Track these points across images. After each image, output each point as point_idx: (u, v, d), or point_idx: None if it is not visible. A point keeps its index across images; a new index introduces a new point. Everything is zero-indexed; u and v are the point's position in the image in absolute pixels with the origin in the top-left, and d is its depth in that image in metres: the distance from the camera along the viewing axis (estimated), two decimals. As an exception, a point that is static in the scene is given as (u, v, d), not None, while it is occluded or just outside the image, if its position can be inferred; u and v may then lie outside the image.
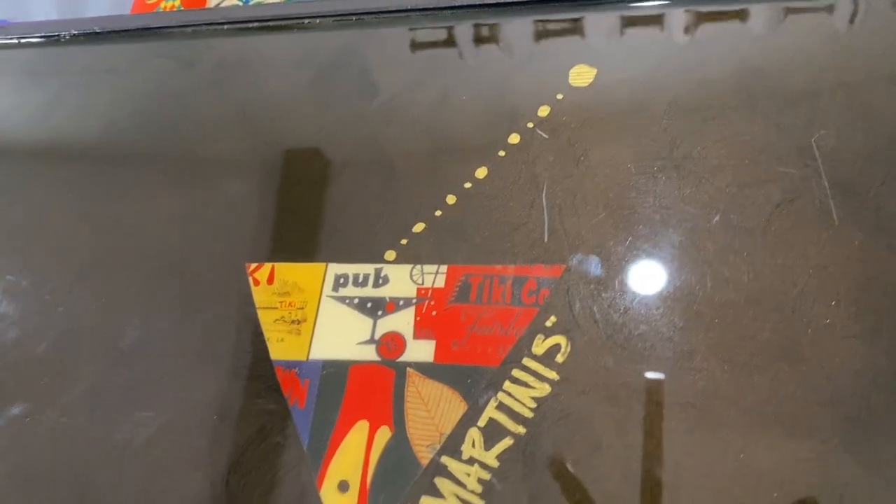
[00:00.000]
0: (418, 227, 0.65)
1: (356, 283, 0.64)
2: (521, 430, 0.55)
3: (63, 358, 0.67)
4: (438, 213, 0.65)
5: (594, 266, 0.60)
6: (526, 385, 0.57)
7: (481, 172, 0.66)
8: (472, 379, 0.58)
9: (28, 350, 0.68)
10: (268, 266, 0.66)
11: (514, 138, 0.67)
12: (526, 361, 0.57)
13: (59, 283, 0.70)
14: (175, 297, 0.67)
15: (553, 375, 0.56)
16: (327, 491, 0.56)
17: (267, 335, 0.63)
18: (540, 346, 0.58)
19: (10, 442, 0.64)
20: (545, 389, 0.56)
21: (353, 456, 0.57)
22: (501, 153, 0.66)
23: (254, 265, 0.67)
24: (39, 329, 0.68)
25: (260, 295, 0.65)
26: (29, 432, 0.64)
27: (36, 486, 0.62)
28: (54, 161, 0.78)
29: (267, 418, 0.60)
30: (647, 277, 0.58)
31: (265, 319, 0.64)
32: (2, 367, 0.67)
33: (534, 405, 0.56)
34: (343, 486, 0.56)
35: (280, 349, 0.63)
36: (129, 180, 0.74)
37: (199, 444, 0.60)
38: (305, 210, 0.68)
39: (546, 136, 0.66)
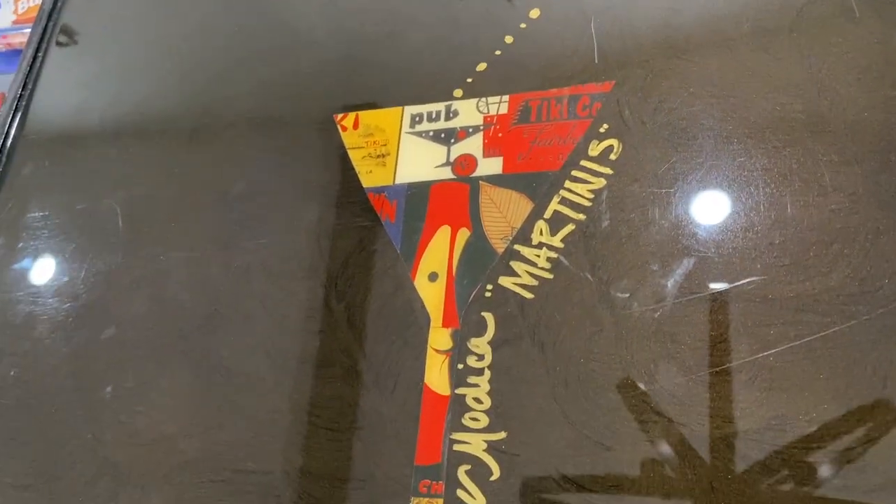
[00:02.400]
0: (481, 67, 0.73)
1: (430, 120, 0.73)
2: (581, 216, 0.64)
3: (184, 205, 0.78)
4: (498, 52, 0.73)
5: (640, 78, 0.67)
6: (584, 181, 0.65)
7: (534, 13, 0.74)
8: (536, 183, 0.67)
9: (153, 201, 0.80)
10: (352, 115, 0.76)
11: (562, -18, 0.74)
12: (583, 163, 0.66)
13: (173, 143, 0.82)
14: (275, 149, 0.78)
15: (607, 171, 0.65)
16: (420, 281, 0.66)
17: (357, 169, 0.73)
18: (595, 149, 0.66)
19: (147, 276, 0.76)
20: (601, 183, 0.64)
21: (439, 253, 0.67)
22: (550, -5, 0.74)
23: (341, 115, 0.77)
24: (160, 184, 0.80)
25: (348, 139, 0.75)
26: (163, 267, 0.76)
27: (172, 309, 0.74)
28: (171, 40, 0.89)
29: (364, 233, 0.70)
30: (688, 82, 0.65)
31: (354, 157, 0.74)
32: (135, 215, 0.79)
33: (591, 196, 0.64)
34: (433, 276, 0.66)
35: (369, 179, 0.73)
36: (227, 55, 0.85)
37: (308, 259, 0.71)
38: (380, 64, 0.77)
39: (590, -25, 0.73)
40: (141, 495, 0.67)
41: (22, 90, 0.92)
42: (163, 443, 0.68)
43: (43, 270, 0.81)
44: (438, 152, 0.72)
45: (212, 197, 0.78)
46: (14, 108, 0.91)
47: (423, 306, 0.65)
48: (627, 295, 0.60)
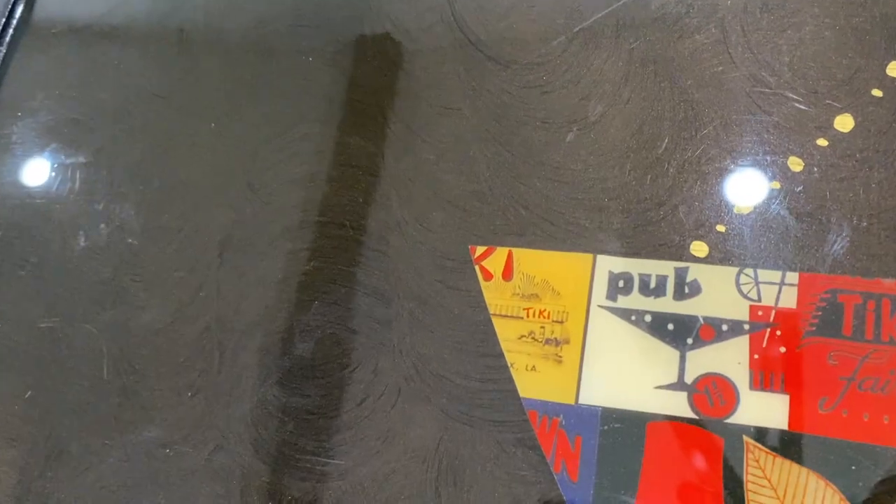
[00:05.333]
0: (744, 207, 0.42)
1: (645, 290, 0.42)
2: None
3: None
4: (776, 184, 0.42)
5: None
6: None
7: (844, 123, 0.42)
8: (858, 463, 0.37)
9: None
10: (503, 252, 0.45)
11: (895, 69, 0.43)
12: (957, 445, 0.35)
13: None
14: (380, 276, 0.47)
15: None
16: None
17: (510, 359, 0.43)
18: (981, 422, 0.36)
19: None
20: None
21: (668, 570, 0.37)
22: (877, 92, 0.42)
23: (481, 249, 0.46)
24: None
25: (494, 295, 0.44)
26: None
27: None
28: None
29: (521, 490, 0.40)
30: None
31: (505, 334, 0.43)
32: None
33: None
34: None
35: (532, 383, 0.42)
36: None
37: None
38: (559, 170, 0.46)
39: (960, 69, 0.42)
40: None
41: None
42: None
43: None
44: (663, 359, 0.41)
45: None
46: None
47: None
48: None
